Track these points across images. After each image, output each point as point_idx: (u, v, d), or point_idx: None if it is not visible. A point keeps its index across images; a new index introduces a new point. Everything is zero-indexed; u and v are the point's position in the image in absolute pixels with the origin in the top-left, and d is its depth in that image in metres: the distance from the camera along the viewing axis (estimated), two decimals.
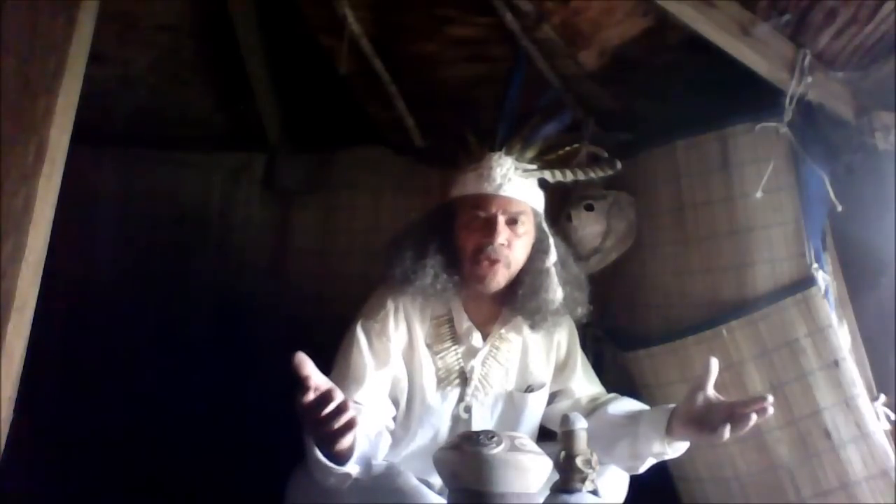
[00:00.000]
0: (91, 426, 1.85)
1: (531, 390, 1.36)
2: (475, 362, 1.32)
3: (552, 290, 1.30)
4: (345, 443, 0.94)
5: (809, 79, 1.47)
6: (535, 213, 1.34)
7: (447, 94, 1.86)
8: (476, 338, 1.33)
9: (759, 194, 1.50)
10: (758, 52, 1.48)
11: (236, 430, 1.84)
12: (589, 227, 1.70)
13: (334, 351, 1.29)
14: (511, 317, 1.35)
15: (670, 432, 1.16)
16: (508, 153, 1.33)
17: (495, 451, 0.97)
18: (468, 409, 1.32)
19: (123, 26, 1.86)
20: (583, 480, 0.99)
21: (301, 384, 0.88)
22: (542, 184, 1.35)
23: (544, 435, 1.38)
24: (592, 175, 1.36)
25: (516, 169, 1.31)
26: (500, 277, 1.28)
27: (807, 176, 1.50)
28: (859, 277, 1.59)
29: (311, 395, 0.88)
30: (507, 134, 1.34)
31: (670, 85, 1.68)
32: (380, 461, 1.15)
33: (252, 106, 2.06)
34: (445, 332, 1.33)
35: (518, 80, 1.41)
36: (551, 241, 1.34)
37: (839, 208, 1.48)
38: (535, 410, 1.37)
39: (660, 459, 1.22)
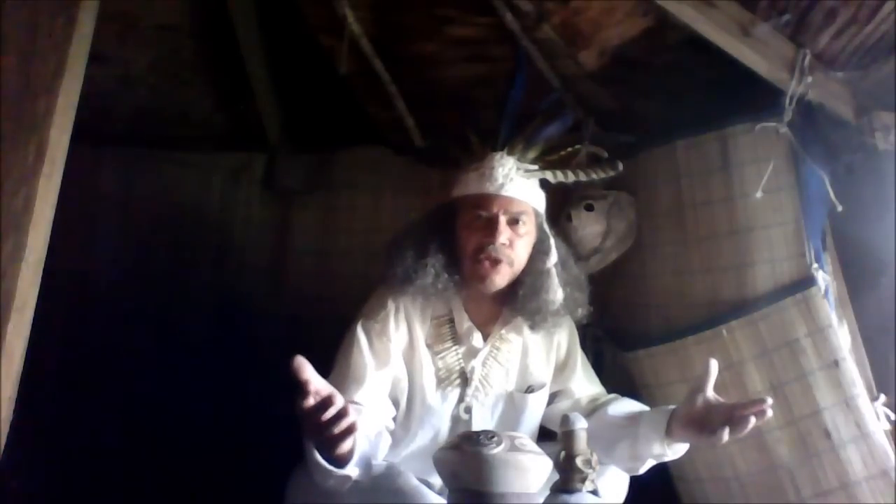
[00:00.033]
0: (91, 426, 1.85)
1: (531, 391, 1.36)
2: (476, 363, 1.32)
3: (553, 291, 1.29)
4: (344, 447, 0.94)
5: (809, 79, 1.47)
6: (537, 214, 1.34)
7: (447, 94, 1.86)
8: (476, 338, 1.33)
9: (759, 194, 1.50)
10: (758, 52, 1.48)
11: (236, 430, 1.84)
12: (589, 227, 1.70)
13: (334, 351, 1.29)
14: (511, 317, 1.35)
15: (670, 434, 1.16)
16: (510, 153, 1.33)
17: (495, 451, 0.97)
18: (468, 410, 1.32)
19: (123, 26, 1.86)
20: (583, 480, 0.99)
21: (300, 388, 0.88)
22: (543, 184, 1.36)
23: (544, 435, 1.38)
24: (594, 176, 1.36)
25: (518, 169, 1.31)
26: (502, 277, 1.28)
27: (807, 176, 1.50)
28: (859, 277, 1.59)
29: (310, 400, 0.88)
30: (509, 134, 1.34)
31: (670, 85, 1.68)
32: (380, 461, 1.15)
33: (252, 106, 2.06)
34: (446, 332, 1.33)
35: (520, 81, 1.41)
36: (552, 241, 1.34)
37: (839, 208, 1.48)
38: (535, 411, 1.37)
39: (660, 461, 1.22)
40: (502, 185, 1.28)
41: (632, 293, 1.72)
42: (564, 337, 1.42)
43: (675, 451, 1.19)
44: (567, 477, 1.00)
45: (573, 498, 0.98)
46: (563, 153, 1.39)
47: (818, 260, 1.48)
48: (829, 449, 1.44)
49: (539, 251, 1.32)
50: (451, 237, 1.31)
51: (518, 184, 1.29)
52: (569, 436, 1.01)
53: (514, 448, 0.99)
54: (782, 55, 1.49)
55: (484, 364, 1.33)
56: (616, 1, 1.53)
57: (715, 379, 1.14)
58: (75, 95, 1.09)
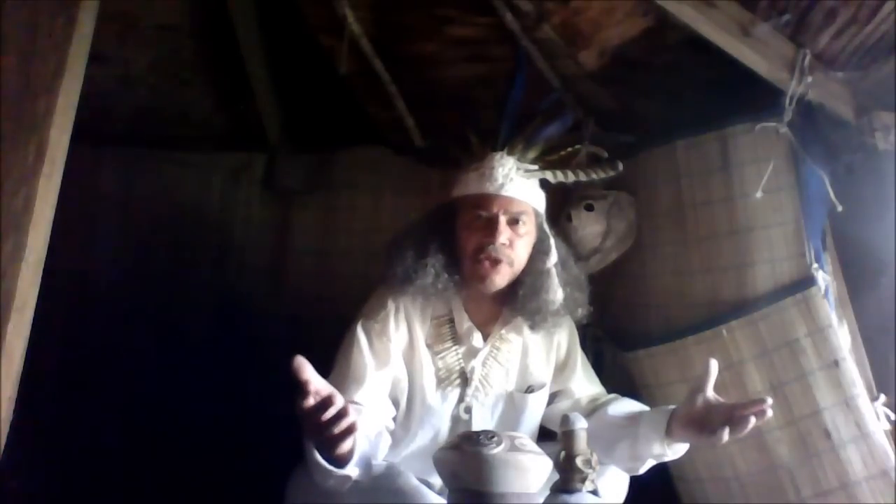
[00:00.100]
0: (91, 426, 1.85)
1: (531, 391, 1.36)
2: (476, 363, 1.32)
3: (553, 291, 1.29)
4: (345, 447, 0.94)
5: (809, 79, 1.47)
6: (537, 214, 1.34)
7: (447, 94, 1.86)
8: (477, 338, 1.33)
9: (759, 194, 1.50)
10: (758, 52, 1.48)
11: (236, 430, 1.84)
12: (589, 227, 1.70)
13: (334, 351, 1.29)
14: (512, 317, 1.35)
15: (670, 434, 1.16)
16: (510, 153, 1.32)
17: (495, 451, 0.97)
18: (468, 410, 1.32)
19: (123, 26, 1.86)
20: (583, 480, 0.99)
21: (300, 388, 0.88)
22: (543, 184, 1.35)
23: (544, 435, 1.38)
24: (594, 176, 1.36)
25: (518, 169, 1.31)
26: (502, 278, 1.28)
27: (807, 176, 1.50)
28: (859, 277, 1.59)
29: (310, 400, 0.88)
30: (509, 134, 1.34)
31: (670, 85, 1.68)
32: (380, 461, 1.15)
33: (252, 106, 2.06)
34: (446, 332, 1.33)
35: (520, 81, 1.40)
36: (552, 241, 1.34)
37: (839, 208, 1.48)
38: (535, 411, 1.37)
39: (660, 461, 1.22)
40: (502, 185, 1.28)
41: (632, 293, 1.72)
42: (564, 337, 1.42)
43: (675, 451, 1.19)
44: (567, 477, 1.00)
45: (573, 498, 0.98)
46: (563, 153, 1.38)
47: (818, 260, 1.48)
48: (829, 449, 1.44)
49: (539, 251, 1.32)
50: (451, 237, 1.31)
51: (518, 184, 1.29)
52: (569, 436, 1.01)
53: (514, 448, 0.99)
54: (782, 55, 1.48)
55: (484, 364, 1.33)
56: (616, 1, 1.53)
57: (715, 379, 1.14)
58: (75, 95, 1.09)
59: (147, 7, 1.86)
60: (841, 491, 1.43)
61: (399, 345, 1.30)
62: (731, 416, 1.07)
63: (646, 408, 1.31)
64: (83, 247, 1.94)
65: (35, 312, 1.05)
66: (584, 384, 1.42)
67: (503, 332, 1.35)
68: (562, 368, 1.41)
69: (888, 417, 1.47)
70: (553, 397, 1.41)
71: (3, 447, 1.01)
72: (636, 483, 1.29)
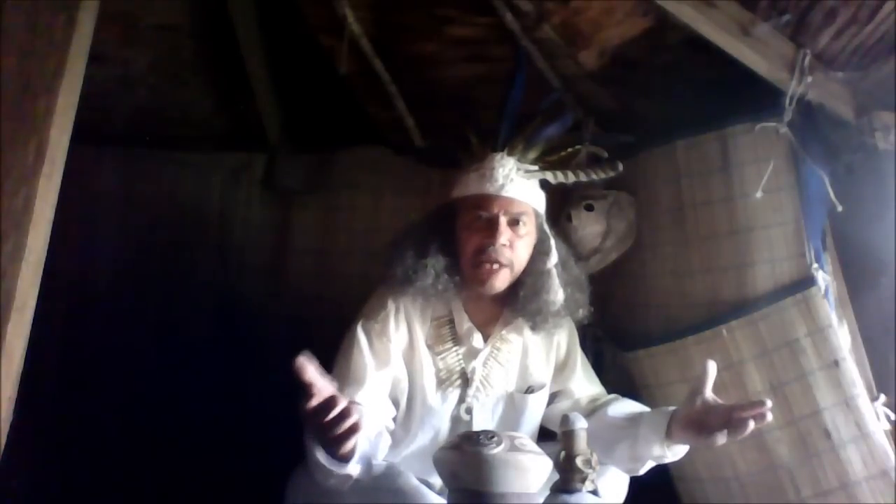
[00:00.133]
0: (91, 426, 1.85)
1: (531, 391, 1.36)
2: (476, 363, 1.32)
3: (553, 292, 1.29)
4: (347, 447, 0.94)
5: (809, 79, 1.46)
6: (537, 214, 1.34)
7: (447, 94, 1.86)
8: (477, 339, 1.33)
9: (759, 194, 1.50)
10: (758, 52, 1.48)
11: (236, 430, 1.84)
12: (589, 227, 1.70)
13: (334, 351, 1.29)
14: (512, 318, 1.35)
15: (670, 435, 1.16)
16: (510, 154, 1.32)
17: (495, 451, 0.97)
18: (469, 410, 1.32)
19: (123, 26, 1.86)
20: (583, 480, 0.99)
21: (303, 389, 0.88)
22: (543, 184, 1.35)
23: (544, 435, 1.38)
24: (594, 176, 1.36)
25: (518, 170, 1.31)
26: (502, 281, 1.28)
27: (807, 176, 1.49)
28: (859, 277, 1.59)
29: (314, 401, 0.88)
30: (509, 134, 1.34)
31: (670, 85, 1.67)
32: (380, 461, 1.15)
33: (252, 106, 2.06)
34: (446, 332, 1.33)
35: (520, 81, 1.40)
36: (552, 242, 1.34)
37: (839, 208, 1.48)
38: (535, 411, 1.37)
39: (659, 462, 1.22)
40: (502, 186, 1.28)
41: (632, 293, 1.72)
42: (564, 337, 1.42)
43: (675, 452, 1.19)
44: (567, 477, 1.00)
45: (573, 498, 0.98)
46: (563, 153, 1.38)
47: (818, 260, 1.48)
48: (829, 449, 1.44)
49: (539, 252, 1.32)
50: (451, 238, 1.31)
51: (518, 184, 1.29)
52: (569, 436, 1.01)
53: (514, 448, 0.99)
54: (782, 55, 1.48)
55: (485, 364, 1.33)
56: (616, 1, 1.52)
57: (714, 380, 1.14)
58: (75, 95, 1.09)
59: (147, 7, 1.86)
60: (841, 491, 1.43)
61: (399, 345, 1.30)
62: (730, 418, 1.07)
63: (646, 408, 1.31)
64: (83, 247, 1.94)
65: (35, 312, 1.05)
66: (584, 384, 1.42)
67: (504, 332, 1.35)
68: (561, 368, 1.41)
69: (888, 417, 1.47)
70: (553, 397, 1.41)
71: (3, 447, 1.01)
72: (636, 483, 1.29)
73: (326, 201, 2.08)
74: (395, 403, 1.29)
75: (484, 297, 1.33)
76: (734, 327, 1.50)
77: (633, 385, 1.63)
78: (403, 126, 1.98)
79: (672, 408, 1.20)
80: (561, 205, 1.71)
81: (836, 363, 1.43)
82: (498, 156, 1.31)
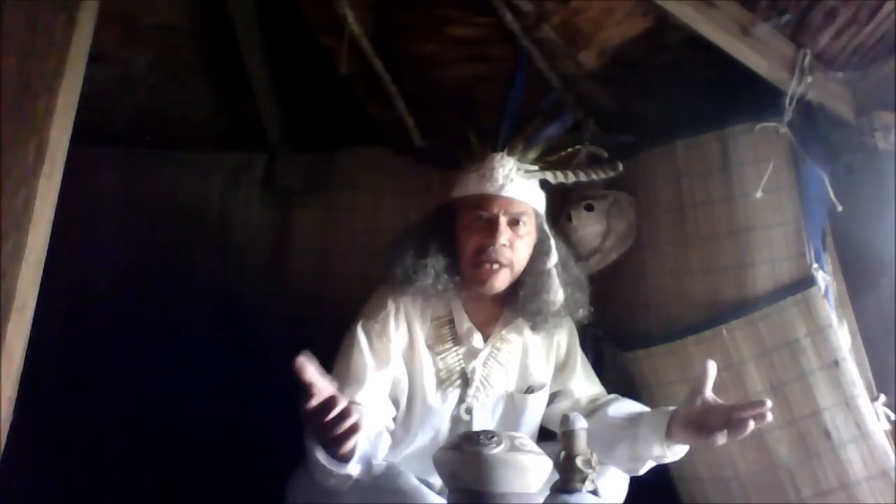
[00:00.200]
0: (91, 426, 1.85)
1: (531, 391, 1.36)
2: (476, 363, 1.32)
3: (553, 292, 1.29)
4: (348, 447, 0.94)
5: (809, 79, 1.46)
6: (537, 214, 1.34)
7: (447, 94, 1.86)
8: (477, 339, 1.33)
9: (759, 194, 1.50)
10: (758, 52, 1.48)
11: (236, 430, 1.84)
12: (589, 227, 1.70)
13: (334, 351, 1.29)
14: (512, 318, 1.35)
15: (670, 436, 1.16)
16: (510, 154, 1.32)
17: (495, 451, 0.97)
18: (469, 411, 1.32)
19: (123, 26, 1.86)
20: (583, 480, 0.99)
21: (304, 389, 0.88)
22: (543, 184, 1.35)
23: (544, 435, 1.38)
24: (594, 177, 1.36)
25: (518, 170, 1.31)
26: (502, 281, 1.28)
27: (807, 176, 1.50)
28: (859, 277, 1.59)
29: (314, 401, 0.88)
30: (510, 134, 1.34)
31: (670, 85, 1.67)
32: (380, 461, 1.15)
33: (252, 106, 2.06)
34: (446, 332, 1.33)
35: (520, 81, 1.40)
36: (552, 242, 1.34)
37: (839, 208, 1.48)
38: (535, 411, 1.37)
39: (660, 462, 1.22)
40: (503, 186, 1.28)
41: (632, 293, 1.72)
42: (564, 337, 1.42)
43: (675, 453, 1.19)
44: (567, 477, 0.99)
45: (573, 498, 0.98)
46: (563, 153, 1.38)
47: (818, 260, 1.48)
48: (829, 449, 1.44)
49: (539, 252, 1.32)
50: (451, 238, 1.31)
51: (518, 184, 1.29)
52: (569, 436, 1.01)
53: (514, 448, 0.99)
54: (782, 55, 1.48)
55: (485, 364, 1.33)
56: (616, 1, 1.52)
57: (714, 380, 1.14)
58: (75, 95, 1.09)
59: (147, 7, 1.86)
60: (841, 491, 1.43)
61: (399, 345, 1.30)
62: (730, 418, 1.07)
63: (646, 408, 1.31)
64: (83, 247, 1.94)
65: (35, 312, 1.05)
66: (584, 384, 1.42)
67: (504, 332, 1.35)
68: (561, 368, 1.41)
69: (888, 417, 1.47)
70: (553, 397, 1.41)
71: (3, 447, 1.01)
72: (636, 483, 1.29)
73: (326, 201, 2.08)
74: (395, 403, 1.29)
75: (484, 297, 1.33)
76: (734, 327, 1.50)
77: (633, 385, 1.63)
78: (403, 126, 1.98)
79: (672, 408, 1.20)
80: (561, 205, 1.71)
81: (836, 363, 1.43)
82: (498, 156, 1.31)
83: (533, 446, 1.02)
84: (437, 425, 1.32)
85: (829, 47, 1.48)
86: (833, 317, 1.45)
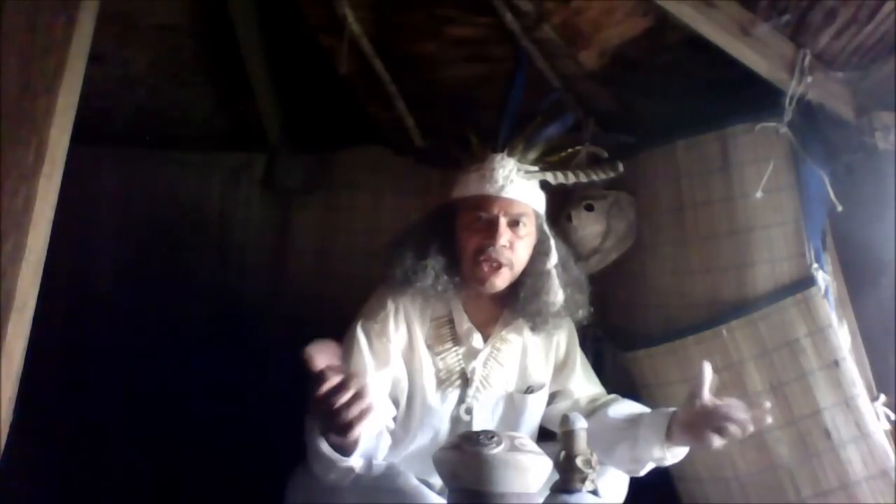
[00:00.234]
0: (91, 426, 1.85)
1: (531, 391, 1.36)
2: (476, 363, 1.32)
3: (553, 293, 1.29)
4: (357, 431, 0.92)
5: (809, 79, 1.46)
6: (537, 215, 1.34)
7: (447, 94, 1.86)
8: (477, 339, 1.33)
9: (759, 194, 1.50)
10: (758, 52, 1.48)
11: (236, 430, 1.84)
12: (589, 227, 1.70)
13: None
14: (512, 318, 1.35)
15: (670, 437, 1.16)
16: (511, 154, 1.32)
17: (495, 451, 0.97)
18: (469, 411, 1.32)
19: (123, 26, 1.86)
20: (583, 480, 0.99)
21: (315, 378, 0.87)
22: (543, 184, 1.35)
23: (544, 435, 1.38)
24: (594, 177, 1.36)
25: (518, 170, 1.31)
26: (502, 280, 1.28)
27: (807, 176, 1.50)
28: (859, 277, 1.59)
29: (326, 385, 0.88)
30: (509, 134, 1.34)
31: (670, 85, 1.68)
32: (380, 461, 1.15)
33: (252, 106, 2.06)
34: (446, 333, 1.33)
35: (520, 81, 1.40)
36: (552, 242, 1.34)
37: (839, 208, 1.48)
38: (535, 411, 1.37)
39: (660, 464, 1.22)
40: (503, 187, 1.28)
41: (632, 293, 1.72)
42: (563, 337, 1.42)
43: (675, 454, 1.19)
44: (567, 477, 0.99)
45: (573, 498, 0.98)
46: (563, 154, 1.38)
47: (818, 260, 1.48)
48: (829, 449, 1.44)
49: (539, 252, 1.32)
50: (451, 238, 1.31)
51: (518, 185, 1.29)
52: (569, 436, 1.01)
53: (514, 448, 0.99)
54: (782, 55, 1.48)
55: (484, 365, 1.33)
56: (616, 1, 1.52)
57: (710, 382, 1.14)
58: (75, 95, 1.09)
59: (147, 7, 1.86)
60: (841, 491, 1.43)
61: (399, 345, 1.30)
62: (720, 424, 1.08)
63: (646, 409, 1.31)
64: (83, 247, 1.94)
65: (35, 312, 1.05)
66: (584, 384, 1.42)
67: (503, 332, 1.35)
68: (561, 368, 1.41)
69: (888, 417, 1.47)
70: (552, 397, 1.41)
71: (3, 447, 1.01)
72: (636, 483, 1.29)
73: (326, 201, 2.09)
74: (395, 403, 1.29)
75: (484, 298, 1.33)
76: (734, 327, 1.50)
77: (633, 385, 1.63)
78: (403, 126, 1.98)
79: (672, 409, 1.20)
80: (561, 205, 1.71)
81: (836, 363, 1.43)
82: (498, 156, 1.31)
83: (533, 446, 1.02)
84: (436, 425, 1.32)
85: (829, 47, 1.48)
86: (833, 317, 1.45)
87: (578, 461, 0.99)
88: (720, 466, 1.53)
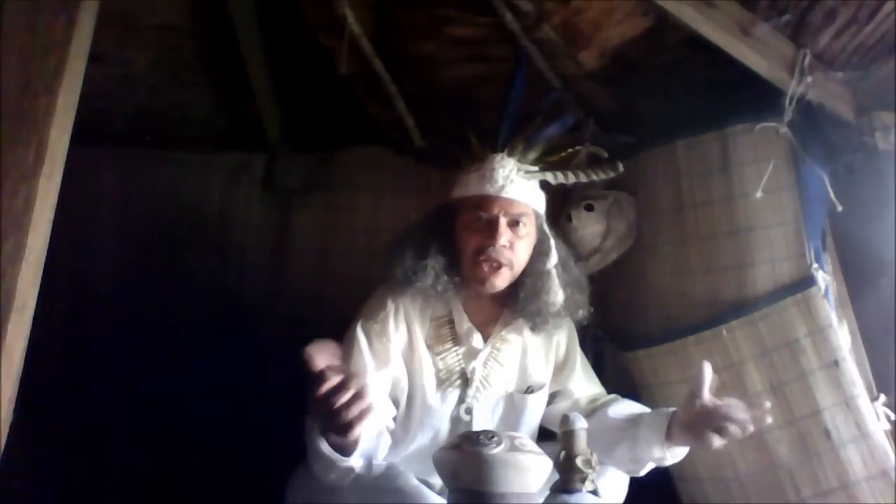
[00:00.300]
0: (91, 426, 1.86)
1: (531, 391, 1.36)
2: (476, 363, 1.32)
3: (553, 293, 1.29)
4: (357, 432, 0.92)
5: (809, 79, 1.47)
6: (537, 215, 1.34)
7: (447, 94, 1.86)
8: (477, 339, 1.33)
9: (759, 194, 1.50)
10: (758, 52, 1.48)
11: (236, 430, 1.84)
12: (589, 227, 1.70)
13: None
14: (512, 318, 1.35)
15: (670, 437, 1.16)
16: (511, 154, 1.32)
17: (495, 451, 0.97)
18: (469, 411, 1.32)
19: (123, 26, 1.86)
20: (583, 480, 0.99)
21: (316, 378, 0.87)
22: (543, 184, 1.35)
23: (544, 435, 1.38)
24: (594, 177, 1.36)
25: (518, 170, 1.31)
26: (502, 280, 1.28)
27: (807, 176, 1.50)
28: (859, 277, 1.59)
29: (326, 385, 0.88)
30: (510, 134, 1.34)
31: (670, 85, 1.68)
32: (380, 461, 1.15)
33: (252, 106, 2.06)
34: (446, 333, 1.33)
35: (520, 81, 1.40)
36: (552, 242, 1.34)
37: (839, 208, 1.48)
38: (535, 411, 1.37)
39: (660, 464, 1.22)
40: (503, 187, 1.28)
41: (632, 293, 1.72)
42: (563, 337, 1.42)
43: (675, 454, 1.19)
44: (567, 477, 1.00)
45: (573, 498, 0.98)
46: (563, 154, 1.38)
47: (818, 260, 1.48)
48: (829, 449, 1.44)
49: (539, 252, 1.32)
50: (451, 238, 1.31)
51: (518, 185, 1.29)
52: (569, 436, 1.01)
53: (514, 448, 0.99)
54: (782, 55, 1.48)
55: (485, 365, 1.33)
56: (616, 1, 1.53)
57: (710, 382, 1.14)
58: (75, 95, 1.10)
59: (147, 7, 1.86)
60: (841, 491, 1.43)
61: (399, 345, 1.30)
62: (720, 424, 1.08)
63: (646, 409, 1.31)
64: (83, 247, 1.94)
65: (35, 312, 1.05)
66: (584, 384, 1.42)
67: (503, 332, 1.35)
68: (561, 368, 1.41)
69: (888, 417, 1.47)
70: (552, 397, 1.41)
71: (3, 447, 1.01)
72: (636, 483, 1.29)
73: (326, 201, 2.09)
74: (395, 403, 1.29)
75: (484, 298, 1.33)
76: (734, 327, 1.50)
77: (633, 385, 1.63)
78: (403, 126, 1.98)
79: (672, 409, 1.20)
80: (561, 205, 1.71)
81: (836, 363, 1.43)
82: (498, 156, 1.31)
83: (533, 446, 1.02)
84: (436, 425, 1.32)
85: (829, 47, 1.48)
86: (833, 317, 1.45)
87: (578, 461, 0.99)
88: (720, 466, 1.53)
